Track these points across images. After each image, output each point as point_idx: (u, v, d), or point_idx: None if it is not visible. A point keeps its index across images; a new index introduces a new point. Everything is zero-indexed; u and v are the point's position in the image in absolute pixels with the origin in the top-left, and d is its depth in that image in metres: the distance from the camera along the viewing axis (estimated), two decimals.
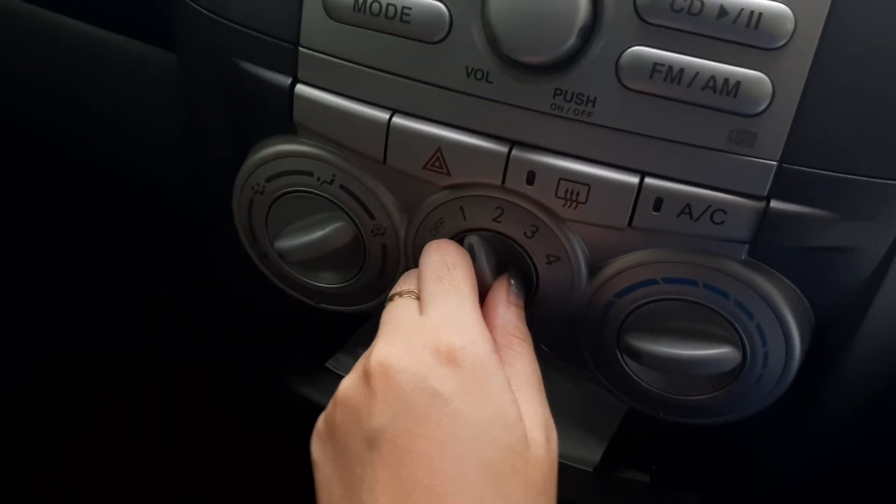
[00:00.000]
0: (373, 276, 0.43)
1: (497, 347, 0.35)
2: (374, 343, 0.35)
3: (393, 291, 0.38)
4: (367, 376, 0.33)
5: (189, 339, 0.61)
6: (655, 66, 0.33)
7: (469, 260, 0.38)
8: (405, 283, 0.38)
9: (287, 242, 0.42)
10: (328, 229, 0.41)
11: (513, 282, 0.39)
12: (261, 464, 0.80)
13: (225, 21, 0.40)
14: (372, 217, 0.41)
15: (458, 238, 0.39)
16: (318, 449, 0.35)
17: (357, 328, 0.60)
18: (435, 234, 0.40)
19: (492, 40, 0.34)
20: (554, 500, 0.33)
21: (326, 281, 0.44)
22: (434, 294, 0.36)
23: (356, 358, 0.58)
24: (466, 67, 0.35)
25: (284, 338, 0.56)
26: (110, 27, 0.47)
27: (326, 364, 0.58)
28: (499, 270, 0.39)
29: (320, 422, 0.36)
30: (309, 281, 0.44)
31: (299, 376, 0.58)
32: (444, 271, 0.36)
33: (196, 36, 0.42)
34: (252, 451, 0.77)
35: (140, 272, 0.55)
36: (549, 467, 0.33)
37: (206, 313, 0.56)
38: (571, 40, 0.33)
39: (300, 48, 0.38)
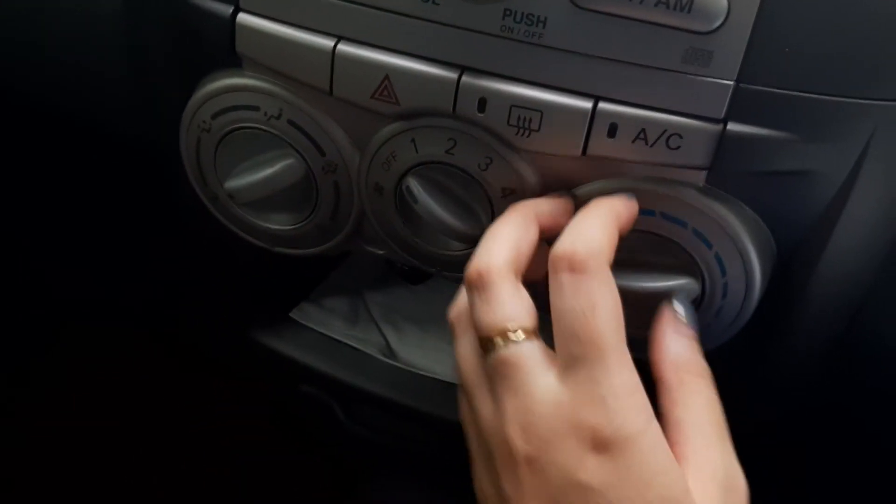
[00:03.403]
0: (326, 215, 0.41)
1: (667, 387, 0.32)
2: (501, 410, 0.31)
3: (492, 325, 0.32)
4: (514, 460, 0.31)
5: (148, 293, 0.60)
6: None
7: (614, 289, 0.31)
8: (509, 309, 0.32)
9: (236, 182, 0.41)
10: (277, 167, 0.40)
11: (680, 309, 0.35)
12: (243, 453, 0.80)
13: None
14: (322, 153, 0.39)
15: (408, 172, 0.38)
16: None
17: (321, 276, 0.59)
18: (387, 169, 0.38)
19: None
20: None
21: (279, 223, 0.42)
22: (571, 356, 0.30)
23: (321, 308, 0.58)
24: None
25: (246, 288, 0.55)
26: None
27: (291, 314, 0.57)
28: (451, 208, 0.38)
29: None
30: (261, 223, 0.43)
31: (263, 327, 0.57)
32: (581, 319, 0.30)
33: None
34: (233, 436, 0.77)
35: (93, 223, 0.54)
36: None
37: (165, 265, 0.55)
38: None
39: None
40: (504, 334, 0.31)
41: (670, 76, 0.33)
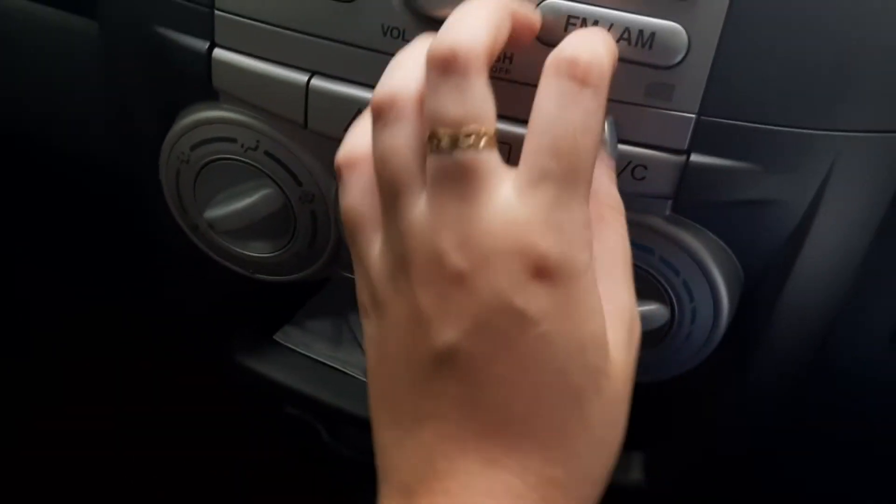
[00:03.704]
0: (304, 243, 0.42)
1: None
2: (439, 217, 0.27)
3: (458, 119, 0.27)
4: (441, 274, 0.27)
5: (135, 315, 0.61)
6: (570, 19, 0.32)
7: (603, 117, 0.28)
8: (481, 106, 0.28)
9: (216, 212, 0.42)
10: (255, 197, 0.41)
11: (605, 135, 0.32)
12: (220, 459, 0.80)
13: None
14: (299, 183, 0.40)
15: None
16: (371, 328, 0.31)
17: (304, 299, 0.59)
18: None
19: None
20: (628, 401, 0.30)
21: (258, 250, 0.43)
22: (541, 172, 0.27)
23: (305, 331, 0.59)
24: (382, 25, 0.35)
25: (229, 312, 0.56)
26: None
27: (274, 337, 0.57)
28: None
29: (366, 303, 0.31)
30: (241, 251, 0.43)
31: (247, 349, 0.57)
32: (570, 136, 0.27)
33: (114, 2, 0.41)
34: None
35: (77, 249, 0.55)
36: (627, 373, 0.30)
37: (150, 289, 0.56)
38: None
39: (216, 11, 0.37)
40: (468, 134, 0.27)
41: (634, 110, 0.33)
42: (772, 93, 0.33)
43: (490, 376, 0.28)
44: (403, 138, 0.29)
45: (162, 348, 0.73)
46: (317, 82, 0.36)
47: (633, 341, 0.30)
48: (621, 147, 0.34)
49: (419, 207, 0.28)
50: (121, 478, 0.82)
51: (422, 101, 0.29)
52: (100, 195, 0.49)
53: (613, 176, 0.32)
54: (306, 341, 0.57)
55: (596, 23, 0.32)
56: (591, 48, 0.28)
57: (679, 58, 0.32)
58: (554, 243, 0.27)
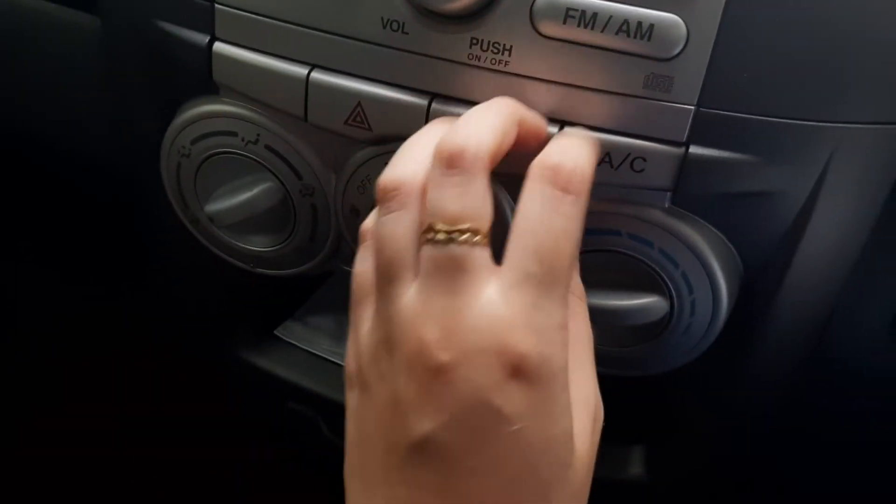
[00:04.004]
0: (304, 238, 0.42)
1: None
2: (427, 307, 0.29)
3: (457, 216, 0.29)
4: (423, 365, 0.28)
5: (136, 310, 0.61)
6: (568, 11, 0.33)
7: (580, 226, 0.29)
8: (480, 206, 0.29)
9: (216, 206, 0.42)
10: (256, 190, 0.41)
11: None
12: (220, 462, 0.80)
13: None
14: (299, 177, 0.40)
15: None
16: (353, 401, 0.31)
17: (306, 295, 0.59)
18: (362, 192, 0.39)
19: None
20: (588, 484, 0.31)
21: (259, 244, 0.43)
22: (523, 273, 0.28)
23: (307, 326, 0.59)
24: (382, 18, 0.35)
25: (231, 307, 0.56)
26: None
27: (276, 332, 0.57)
28: None
29: (352, 374, 0.32)
30: (242, 245, 0.43)
31: (250, 345, 0.57)
32: (552, 241, 0.29)
33: None
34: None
35: (77, 248, 0.55)
36: (590, 458, 0.31)
37: (151, 287, 0.56)
38: None
39: (216, 5, 0.37)
40: (464, 231, 0.29)
41: (633, 102, 0.33)
42: (770, 84, 0.33)
43: (464, 468, 0.28)
44: (403, 226, 0.30)
45: (162, 348, 0.73)
46: (317, 75, 0.36)
47: (596, 428, 0.31)
48: (620, 139, 0.34)
49: (409, 295, 0.29)
50: (121, 478, 0.82)
51: (425, 192, 0.30)
52: (100, 192, 0.49)
53: (576, 263, 0.32)
54: (308, 336, 0.57)
55: (595, 14, 0.32)
56: (575, 156, 0.30)
57: (678, 50, 0.32)
58: (533, 345, 0.28)
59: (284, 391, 0.57)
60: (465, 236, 0.29)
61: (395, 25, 0.35)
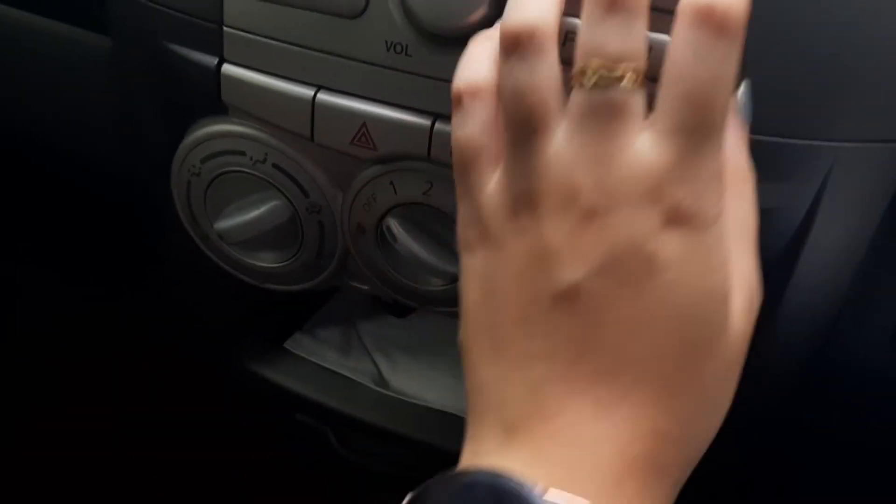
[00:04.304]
0: (312, 254, 0.43)
1: None
2: (581, 151, 0.27)
3: (620, 54, 0.27)
4: (574, 210, 0.27)
5: (135, 316, 0.62)
6: (568, 35, 0.33)
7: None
8: (641, 45, 0.27)
9: (226, 223, 0.43)
10: (264, 208, 0.42)
11: (740, 100, 0.31)
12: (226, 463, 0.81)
13: (152, 3, 0.40)
14: (306, 195, 0.41)
15: (388, 212, 0.39)
16: (476, 263, 0.30)
17: (314, 308, 0.60)
18: (368, 210, 0.40)
19: (408, 13, 0.35)
20: (740, 370, 0.30)
21: (268, 260, 0.44)
22: (677, 122, 0.27)
23: (315, 339, 0.60)
24: (386, 41, 0.36)
25: (240, 319, 0.57)
26: (47, 13, 0.47)
27: (285, 345, 0.58)
28: (430, 246, 0.40)
29: (472, 239, 0.30)
30: (251, 261, 0.44)
31: (259, 358, 0.58)
32: (709, 89, 0.27)
33: (126, 19, 0.42)
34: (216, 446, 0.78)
35: (90, 258, 0.56)
36: (744, 339, 0.29)
37: (160, 293, 0.57)
38: (483, 9, 0.33)
39: (224, 28, 0.38)
40: (623, 72, 0.27)
41: None
42: (768, 103, 0.33)
43: (611, 318, 0.27)
44: (542, 73, 0.28)
45: (162, 348, 0.74)
46: (322, 96, 0.37)
47: (752, 312, 0.30)
48: None
49: (557, 143, 0.28)
50: (121, 478, 0.83)
51: (560, 36, 0.29)
52: (112, 203, 0.50)
53: (744, 142, 0.31)
54: (316, 349, 0.58)
55: None
56: None
57: None
58: (688, 192, 0.27)
59: (293, 403, 0.58)
60: (625, 77, 0.27)
61: (398, 48, 0.36)
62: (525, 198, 0.28)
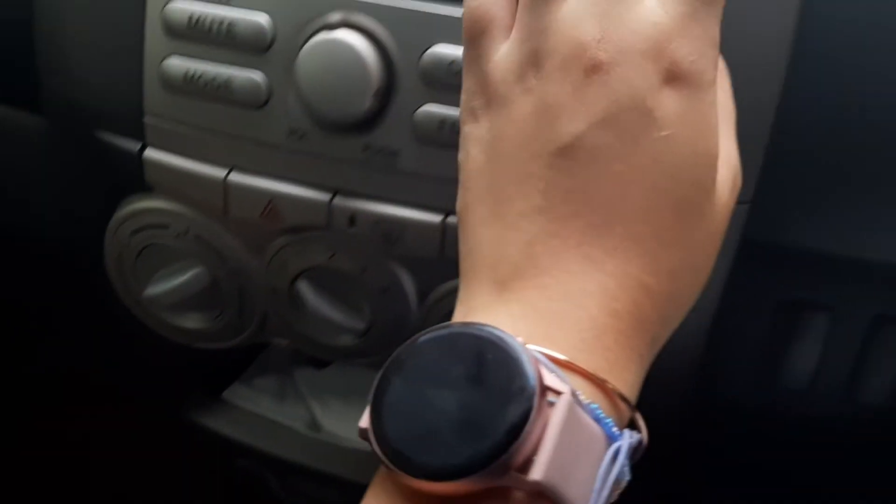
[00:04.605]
0: (234, 314, 0.47)
1: None
2: (581, 21, 0.28)
3: None
4: (578, 64, 0.28)
5: (86, 374, 0.65)
6: (441, 123, 0.38)
7: None
8: None
9: (154, 290, 0.47)
10: (188, 275, 0.46)
11: None
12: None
13: (81, 93, 0.44)
14: (225, 262, 0.45)
15: (298, 276, 0.44)
16: (479, 130, 0.31)
17: (251, 360, 0.64)
18: (281, 274, 0.44)
19: (305, 103, 0.39)
20: (720, 242, 0.31)
21: (195, 322, 0.48)
22: None
23: (252, 388, 0.63)
24: (287, 128, 0.40)
25: (179, 373, 0.61)
26: None
27: (223, 395, 0.62)
28: (338, 306, 0.44)
29: (477, 107, 0.31)
30: (179, 323, 0.48)
31: (199, 408, 0.62)
32: None
33: (59, 107, 0.46)
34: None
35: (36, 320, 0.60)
36: (726, 212, 0.31)
37: (106, 356, 0.60)
38: (368, 102, 0.38)
39: (145, 117, 0.42)
40: None
41: None
42: None
43: (607, 172, 0.28)
44: None
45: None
46: (234, 176, 0.42)
47: (735, 190, 0.31)
48: None
49: (568, 4, 0.29)
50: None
51: None
52: (52, 272, 0.54)
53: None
54: (252, 398, 0.62)
55: None
56: None
57: None
58: (688, 52, 0.28)
59: (231, 450, 0.61)
60: None
61: (298, 133, 0.40)
62: (533, 57, 0.29)
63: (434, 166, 0.39)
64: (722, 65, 0.32)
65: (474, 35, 0.31)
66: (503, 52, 0.30)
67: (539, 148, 0.29)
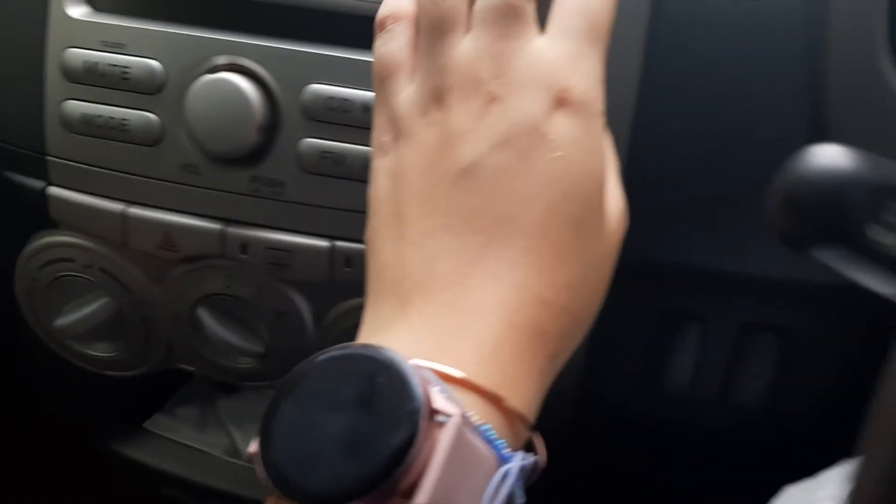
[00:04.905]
0: (139, 343, 0.49)
1: None
2: (483, 48, 0.31)
3: None
4: (477, 97, 0.31)
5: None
6: (322, 154, 0.41)
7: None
8: None
9: (64, 320, 0.49)
10: (95, 306, 0.48)
11: None
12: None
13: None
14: (129, 292, 0.47)
15: (197, 303, 0.46)
16: (387, 162, 0.33)
17: (173, 390, 0.66)
18: (181, 302, 0.47)
19: (196, 141, 0.42)
20: (612, 268, 0.33)
21: (103, 350, 0.50)
22: (569, 28, 0.32)
23: (174, 417, 0.65)
24: (180, 163, 0.43)
25: (100, 404, 0.62)
26: None
27: (144, 425, 0.64)
28: (237, 330, 0.46)
29: (386, 141, 0.33)
30: (89, 352, 0.50)
31: (121, 438, 0.63)
32: (591, 5, 0.32)
33: None
34: None
35: None
36: (615, 240, 0.33)
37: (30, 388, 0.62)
38: (253, 136, 0.41)
39: (47, 157, 0.45)
40: None
41: None
42: None
43: (507, 190, 0.30)
44: None
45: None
46: (132, 210, 0.44)
47: (621, 224, 0.34)
48: None
49: (464, 44, 0.32)
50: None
51: None
52: None
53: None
54: (173, 427, 0.64)
55: (344, 155, 0.41)
56: None
57: None
58: (577, 83, 0.31)
59: (154, 478, 0.63)
60: None
61: (191, 168, 0.43)
62: (435, 94, 0.32)
63: (319, 195, 0.42)
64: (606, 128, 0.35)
65: (382, 78, 0.34)
66: (408, 92, 0.33)
67: (443, 171, 0.31)
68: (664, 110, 0.43)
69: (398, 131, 0.33)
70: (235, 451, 0.64)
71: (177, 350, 0.50)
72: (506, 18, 0.31)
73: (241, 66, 0.41)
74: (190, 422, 0.65)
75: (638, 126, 0.42)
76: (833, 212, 0.25)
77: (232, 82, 0.41)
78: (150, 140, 0.43)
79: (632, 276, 0.46)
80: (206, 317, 0.46)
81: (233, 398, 0.68)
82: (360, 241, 0.42)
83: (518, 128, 0.30)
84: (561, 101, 0.31)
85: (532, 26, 0.32)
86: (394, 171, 0.32)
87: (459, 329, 0.29)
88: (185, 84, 0.41)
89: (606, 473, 0.53)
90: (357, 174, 0.41)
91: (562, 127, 0.30)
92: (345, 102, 0.41)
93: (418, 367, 0.26)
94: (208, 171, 0.43)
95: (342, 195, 0.42)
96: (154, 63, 0.42)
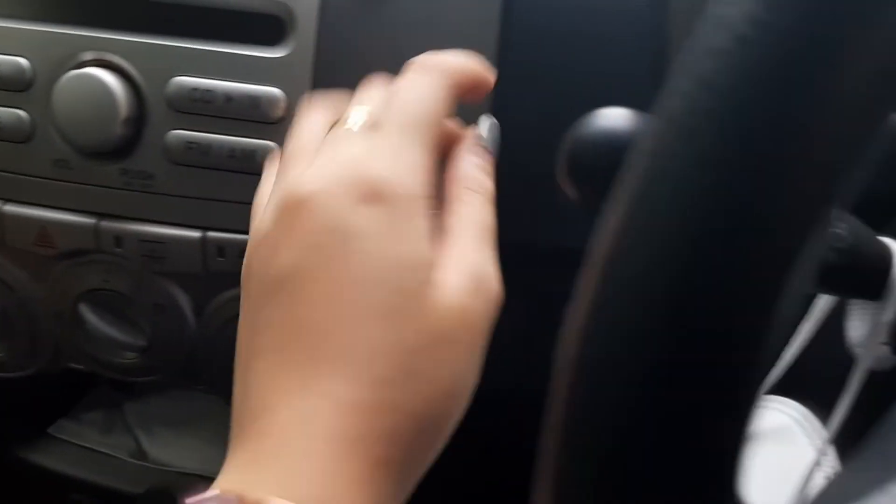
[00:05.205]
0: (26, 342, 0.49)
1: (448, 201, 0.33)
2: (305, 174, 0.31)
3: (348, 111, 0.33)
4: (283, 209, 0.31)
5: None
6: (188, 145, 0.42)
7: (445, 108, 0.33)
8: (364, 100, 0.34)
9: None
10: None
11: (483, 135, 0.36)
12: None
13: None
14: (12, 292, 0.48)
15: (78, 299, 0.47)
16: (242, 289, 0.32)
17: (78, 396, 0.66)
18: (62, 299, 0.47)
19: (65, 136, 0.43)
20: (472, 349, 0.30)
21: None
22: (388, 121, 0.32)
23: (79, 422, 0.65)
24: (52, 159, 0.43)
25: (7, 411, 0.62)
26: None
27: (49, 430, 0.64)
28: (118, 325, 0.47)
29: (244, 262, 0.33)
30: None
31: (26, 444, 0.63)
32: (411, 105, 0.32)
33: None
34: None
35: None
36: (462, 316, 0.30)
37: None
38: (120, 129, 0.42)
39: None
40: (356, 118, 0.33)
41: None
42: None
43: (311, 295, 0.29)
44: (312, 125, 0.35)
45: None
46: (7, 207, 0.45)
47: (479, 295, 0.31)
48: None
49: (302, 166, 0.32)
50: None
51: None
52: None
53: (487, 167, 0.35)
54: (78, 432, 0.64)
55: (209, 145, 0.42)
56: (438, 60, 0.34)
57: None
58: (383, 168, 0.30)
59: (62, 484, 0.63)
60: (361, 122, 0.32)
61: (62, 164, 0.43)
62: (272, 214, 0.32)
63: (188, 186, 0.43)
64: (481, 185, 0.34)
65: (253, 218, 0.34)
66: (264, 220, 0.32)
67: (266, 287, 0.30)
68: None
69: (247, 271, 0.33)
70: (141, 454, 0.64)
71: (63, 349, 0.50)
72: (332, 142, 0.32)
73: (108, 61, 0.42)
74: (95, 426, 0.65)
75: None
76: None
77: (96, 77, 0.41)
78: (21, 137, 0.43)
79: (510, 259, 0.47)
80: (87, 313, 0.47)
81: (139, 402, 0.68)
82: (231, 230, 0.44)
83: (325, 227, 0.30)
84: (367, 194, 0.30)
85: (360, 134, 0.32)
86: (243, 309, 0.32)
87: (277, 453, 0.28)
88: (53, 80, 0.42)
89: (493, 457, 0.54)
90: (224, 164, 0.42)
91: (367, 218, 0.30)
92: (207, 93, 0.41)
93: (225, 497, 0.26)
94: (79, 165, 0.43)
95: (210, 185, 0.43)
96: (22, 60, 0.43)
